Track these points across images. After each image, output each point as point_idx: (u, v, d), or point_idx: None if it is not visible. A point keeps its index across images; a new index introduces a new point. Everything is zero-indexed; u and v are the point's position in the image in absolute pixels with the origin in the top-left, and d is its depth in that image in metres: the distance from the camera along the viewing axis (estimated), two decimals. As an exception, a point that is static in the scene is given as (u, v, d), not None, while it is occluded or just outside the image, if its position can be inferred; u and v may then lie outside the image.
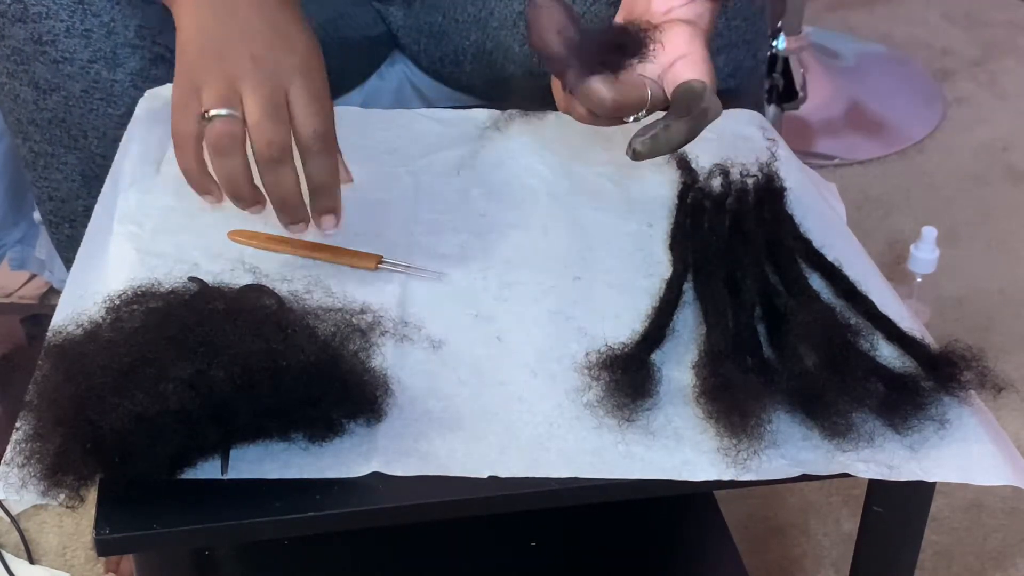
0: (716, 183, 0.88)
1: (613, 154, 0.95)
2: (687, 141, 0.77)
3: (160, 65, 0.98)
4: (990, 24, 2.29)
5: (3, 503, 1.27)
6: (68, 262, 1.11)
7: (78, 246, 0.85)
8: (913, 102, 2.07)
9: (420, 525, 0.68)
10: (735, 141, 0.95)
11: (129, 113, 0.97)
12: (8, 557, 1.23)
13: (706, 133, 0.96)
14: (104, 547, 0.63)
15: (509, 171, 0.93)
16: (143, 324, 0.67)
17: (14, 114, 1.02)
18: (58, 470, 0.63)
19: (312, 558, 0.97)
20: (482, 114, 1.00)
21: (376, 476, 0.66)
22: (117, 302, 0.70)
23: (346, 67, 1.14)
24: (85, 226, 0.86)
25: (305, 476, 0.66)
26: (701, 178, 0.89)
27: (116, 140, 0.98)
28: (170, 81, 0.97)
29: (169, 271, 0.77)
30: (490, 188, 0.91)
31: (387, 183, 0.90)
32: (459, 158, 0.94)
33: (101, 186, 1.02)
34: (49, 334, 0.70)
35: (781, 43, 1.83)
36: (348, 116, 0.99)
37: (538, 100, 0.90)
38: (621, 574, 0.98)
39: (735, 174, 0.88)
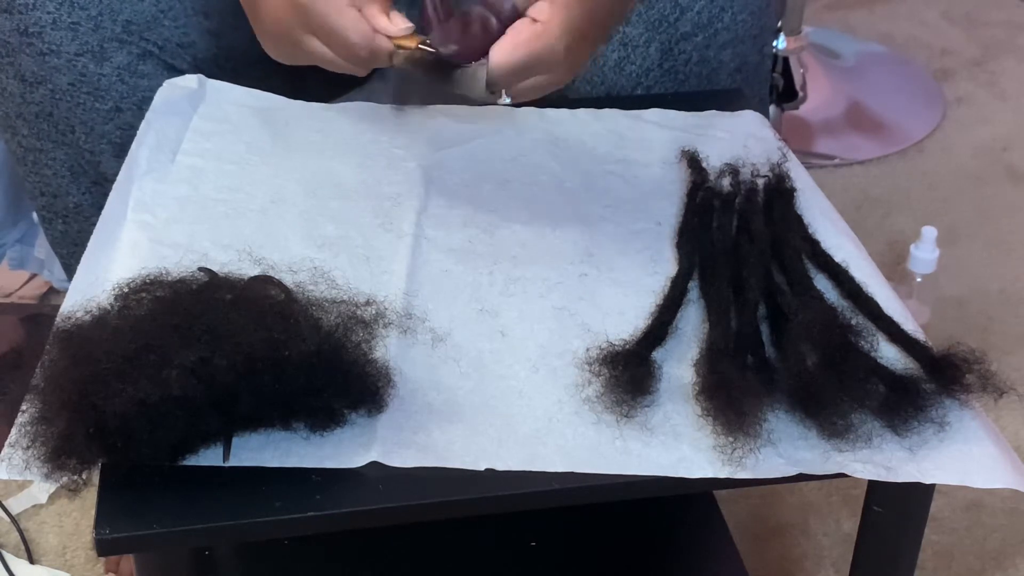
0: (726, 182, 0.88)
1: (625, 152, 0.95)
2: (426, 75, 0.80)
3: (148, 61, 0.98)
4: (990, 24, 2.29)
5: (3, 503, 1.27)
6: (64, 259, 1.12)
7: (72, 242, 0.86)
8: (913, 102, 2.07)
9: (420, 525, 0.68)
10: (746, 140, 0.95)
11: (117, 108, 0.97)
12: (8, 557, 1.23)
13: (718, 132, 0.98)
14: (104, 547, 0.63)
15: (520, 167, 0.93)
16: (149, 312, 0.67)
17: (1, 108, 1.02)
18: (61, 453, 0.64)
19: (312, 558, 0.97)
20: (496, 110, 1.00)
21: (376, 474, 0.66)
22: (126, 290, 0.70)
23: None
24: (77, 222, 0.86)
25: (305, 465, 0.66)
26: (711, 177, 0.89)
27: (103, 136, 0.98)
28: (158, 77, 0.98)
29: (180, 260, 0.78)
30: (501, 184, 0.91)
31: (398, 177, 0.91)
32: (471, 153, 0.94)
33: (90, 182, 1.02)
34: (58, 319, 0.71)
35: (781, 43, 1.83)
36: (361, 111, 1.00)
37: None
38: (621, 574, 0.98)
39: (745, 174, 0.88)
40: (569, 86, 1.04)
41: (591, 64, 1.02)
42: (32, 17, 0.95)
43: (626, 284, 0.81)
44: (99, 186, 1.02)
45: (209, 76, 0.98)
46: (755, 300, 0.77)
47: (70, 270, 1.11)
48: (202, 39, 1.02)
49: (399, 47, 0.80)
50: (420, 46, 0.80)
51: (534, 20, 0.77)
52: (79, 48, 0.96)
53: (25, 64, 0.97)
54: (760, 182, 0.88)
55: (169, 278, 0.71)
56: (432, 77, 0.82)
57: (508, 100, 0.81)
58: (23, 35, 0.96)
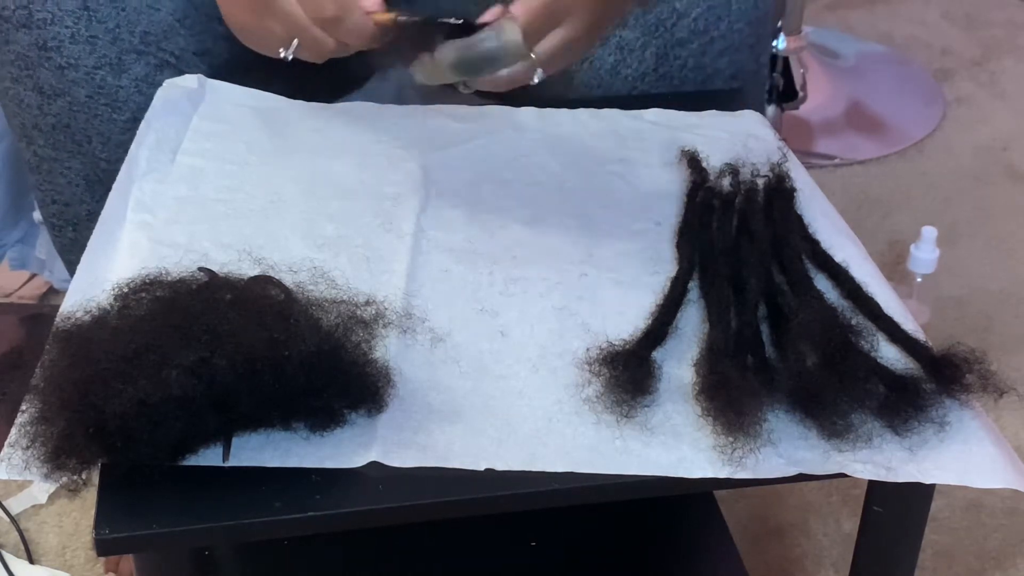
0: (726, 182, 0.88)
1: (625, 152, 0.95)
2: (460, 66, 0.79)
3: (165, 71, 0.98)
4: (990, 24, 2.30)
5: (3, 503, 1.27)
6: (71, 264, 1.12)
7: (82, 249, 0.86)
8: (913, 102, 2.07)
9: (420, 525, 0.68)
10: (746, 140, 0.95)
11: (134, 118, 0.97)
12: (8, 557, 1.23)
13: (718, 132, 0.98)
14: (104, 547, 0.63)
15: (521, 167, 0.93)
16: (149, 312, 0.67)
17: (18, 118, 1.02)
18: (61, 453, 0.64)
19: (312, 558, 0.97)
20: (495, 110, 1.00)
21: (376, 474, 0.66)
22: (125, 290, 0.70)
23: (350, 70, 1.14)
24: (89, 230, 0.86)
25: (304, 465, 0.66)
26: (711, 177, 0.89)
27: (120, 145, 0.98)
28: None
29: (180, 260, 0.78)
30: (501, 183, 0.91)
31: (398, 177, 0.91)
32: (471, 153, 0.94)
33: (105, 191, 1.02)
34: (58, 320, 0.71)
35: (781, 43, 1.83)
36: (361, 111, 1.00)
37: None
38: (621, 574, 0.98)
39: (745, 174, 0.88)
40: (568, 87, 1.04)
41: (587, 68, 1.02)
42: (51, 32, 0.95)
43: (626, 284, 0.81)
44: None
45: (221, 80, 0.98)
46: (755, 300, 0.77)
47: (76, 275, 1.11)
48: (216, 45, 1.02)
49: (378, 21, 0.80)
50: (399, 18, 0.80)
51: None
52: (97, 61, 0.96)
53: (43, 77, 0.97)
54: (760, 182, 0.88)
55: (169, 278, 0.71)
56: (431, 42, 0.79)
57: (539, 75, 0.79)
58: (42, 49, 0.96)
